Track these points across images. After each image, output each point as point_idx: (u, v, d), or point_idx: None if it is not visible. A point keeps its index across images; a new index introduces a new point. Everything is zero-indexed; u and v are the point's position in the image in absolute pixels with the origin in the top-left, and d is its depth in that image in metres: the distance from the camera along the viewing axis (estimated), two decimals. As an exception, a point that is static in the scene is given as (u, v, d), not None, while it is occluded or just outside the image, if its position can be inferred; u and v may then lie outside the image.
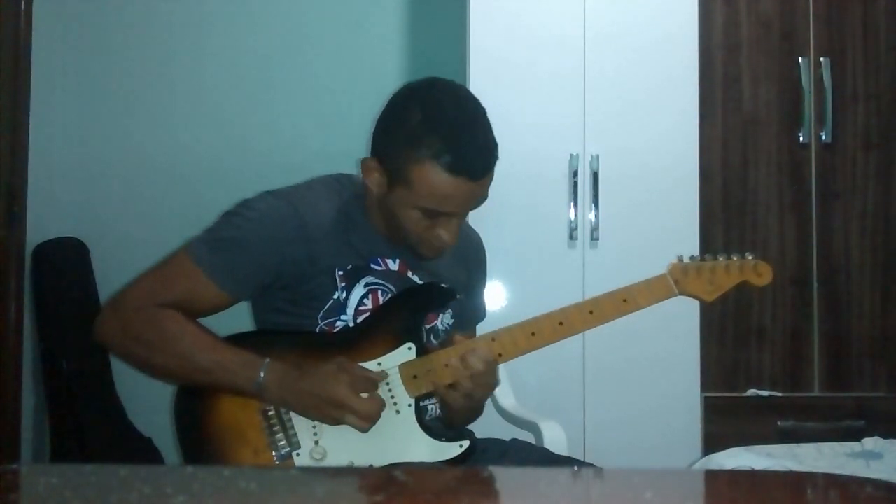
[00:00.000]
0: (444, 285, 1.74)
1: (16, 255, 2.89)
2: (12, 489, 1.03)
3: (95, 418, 2.93)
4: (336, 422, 1.57)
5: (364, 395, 1.56)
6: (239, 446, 1.59)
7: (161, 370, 1.63)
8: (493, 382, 1.67)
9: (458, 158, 1.57)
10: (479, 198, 1.66)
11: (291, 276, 1.67)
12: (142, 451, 3.01)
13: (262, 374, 1.57)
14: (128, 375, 3.04)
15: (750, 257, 1.73)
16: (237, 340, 1.65)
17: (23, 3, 2.94)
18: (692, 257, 1.73)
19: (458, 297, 1.77)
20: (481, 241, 1.97)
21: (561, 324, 1.66)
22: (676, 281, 1.70)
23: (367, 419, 1.56)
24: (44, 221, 3.02)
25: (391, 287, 1.72)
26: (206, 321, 1.67)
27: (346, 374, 1.56)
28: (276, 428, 1.60)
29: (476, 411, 1.79)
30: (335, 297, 1.68)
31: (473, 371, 1.60)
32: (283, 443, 1.59)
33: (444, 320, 1.79)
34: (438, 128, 1.58)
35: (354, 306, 1.69)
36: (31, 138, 2.96)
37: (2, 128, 2.85)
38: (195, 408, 1.63)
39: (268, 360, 1.58)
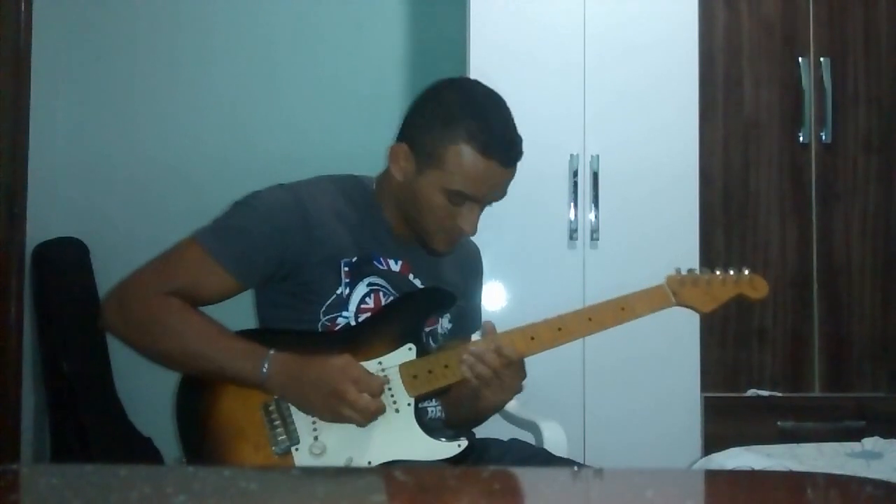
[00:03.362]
0: (447, 290, 1.75)
1: (16, 255, 2.89)
2: (12, 489, 1.03)
3: (96, 419, 2.93)
4: (334, 414, 1.57)
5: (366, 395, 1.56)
6: (239, 441, 1.60)
7: (165, 358, 1.64)
8: (514, 387, 1.66)
9: (493, 141, 1.64)
10: (500, 190, 1.71)
11: (293, 265, 1.68)
12: (142, 451, 3.01)
13: (266, 364, 1.58)
14: (128, 376, 3.05)
15: (746, 272, 1.75)
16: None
17: (23, 3, 2.94)
18: (690, 270, 1.75)
19: (458, 302, 1.77)
20: (479, 253, 1.99)
21: (560, 329, 1.67)
22: (674, 292, 1.72)
23: (365, 414, 1.56)
24: (44, 221, 3.02)
25: (393, 290, 1.73)
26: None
27: (351, 370, 1.57)
28: (276, 423, 1.60)
29: (478, 416, 1.78)
30: (338, 292, 1.69)
31: (478, 372, 1.61)
32: (282, 437, 1.59)
33: (443, 324, 1.81)
34: (475, 112, 1.65)
35: (357, 304, 1.70)
36: (31, 138, 2.96)
37: (2, 128, 2.86)
38: (196, 403, 1.63)
39: (272, 350, 1.59)
